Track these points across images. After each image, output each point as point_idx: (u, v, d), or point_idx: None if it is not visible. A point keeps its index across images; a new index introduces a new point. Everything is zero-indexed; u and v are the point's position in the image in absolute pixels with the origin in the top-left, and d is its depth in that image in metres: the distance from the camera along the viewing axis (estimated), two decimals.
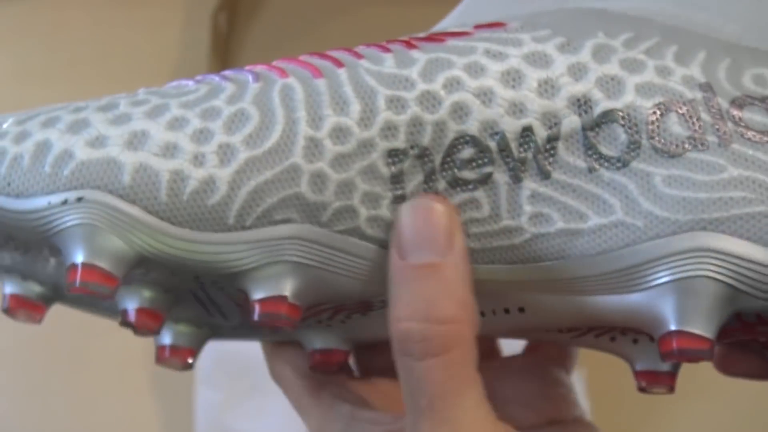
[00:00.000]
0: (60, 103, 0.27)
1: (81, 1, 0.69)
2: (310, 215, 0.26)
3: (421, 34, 0.27)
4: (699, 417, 0.57)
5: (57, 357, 0.58)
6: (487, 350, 0.32)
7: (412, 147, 0.26)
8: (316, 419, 0.30)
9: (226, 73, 0.27)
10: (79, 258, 0.25)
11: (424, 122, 0.25)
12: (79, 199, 0.25)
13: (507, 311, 0.28)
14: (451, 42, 0.26)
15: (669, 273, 0.25)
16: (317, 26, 0.67)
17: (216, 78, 0.27)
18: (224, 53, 0.65)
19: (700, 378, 0.57)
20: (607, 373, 0.56)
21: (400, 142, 0.25)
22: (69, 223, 0.25)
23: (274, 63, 0.27)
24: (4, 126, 0.27)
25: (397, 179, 0.26)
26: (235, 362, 0.55)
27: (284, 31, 0.67)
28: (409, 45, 0.27)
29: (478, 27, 0.27)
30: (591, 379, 0.55)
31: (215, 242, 0.25)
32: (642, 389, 0.29)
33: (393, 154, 0.25)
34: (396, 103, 0.25)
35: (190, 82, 0.27)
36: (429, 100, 0.25)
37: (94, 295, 0.25)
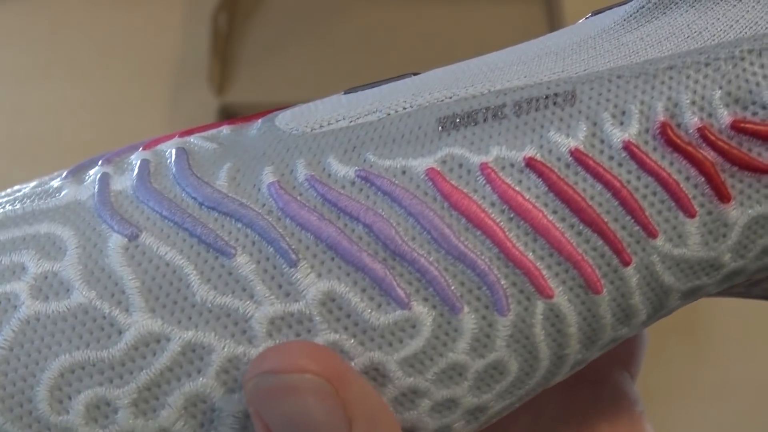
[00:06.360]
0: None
1: (81, 1, 0.69)
2: None
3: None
4: (699, 417, 0.57)
5: None
6: None
7: None
8: None
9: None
10: None
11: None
12: None
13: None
14: None
15: None
16: (317, 26, 0.67)
17: (453, 304, 0.19)
18: (224, 53, 0.65)
19: (700, 378, 0.57)
20: None
21: None
22: None
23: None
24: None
25: None
26: None
27: (284, 31, 0.67)
28: (721, 195, 0.19)
29: None
30: None
31: None
32: None
33: None
34: (690, 296, 0.21)
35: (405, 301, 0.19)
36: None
37: None
